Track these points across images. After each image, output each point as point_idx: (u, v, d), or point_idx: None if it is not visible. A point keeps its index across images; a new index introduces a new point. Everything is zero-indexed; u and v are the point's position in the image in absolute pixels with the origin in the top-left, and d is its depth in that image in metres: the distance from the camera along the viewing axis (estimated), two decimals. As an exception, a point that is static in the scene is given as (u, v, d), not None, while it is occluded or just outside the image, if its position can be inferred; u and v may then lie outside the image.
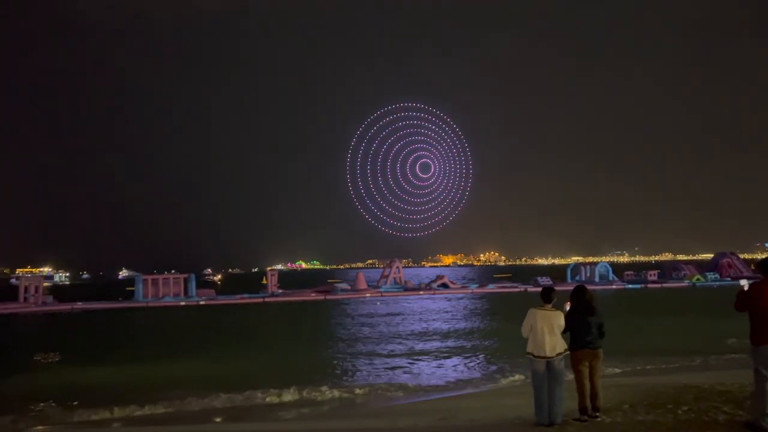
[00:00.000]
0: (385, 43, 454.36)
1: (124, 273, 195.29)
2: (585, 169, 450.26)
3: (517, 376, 14.07)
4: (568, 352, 7.75)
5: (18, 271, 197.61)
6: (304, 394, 12.77)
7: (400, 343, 21.86)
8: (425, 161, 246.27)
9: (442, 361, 17.51)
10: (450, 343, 21.87)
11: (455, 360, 17.67)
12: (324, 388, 13.34)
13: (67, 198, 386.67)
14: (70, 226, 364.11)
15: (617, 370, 14.01)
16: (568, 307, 7.95)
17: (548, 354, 7.56)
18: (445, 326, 27.78)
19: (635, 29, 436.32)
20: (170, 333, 26.20)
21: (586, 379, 7.75)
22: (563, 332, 7.77)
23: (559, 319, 7.70)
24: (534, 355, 7.65)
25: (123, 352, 20.22)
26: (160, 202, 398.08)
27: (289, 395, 12.61)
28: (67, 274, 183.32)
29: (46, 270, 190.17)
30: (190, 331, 26.88)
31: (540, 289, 8.09)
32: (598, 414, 7.77)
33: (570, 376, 7.83)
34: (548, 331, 7.59)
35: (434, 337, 23.74)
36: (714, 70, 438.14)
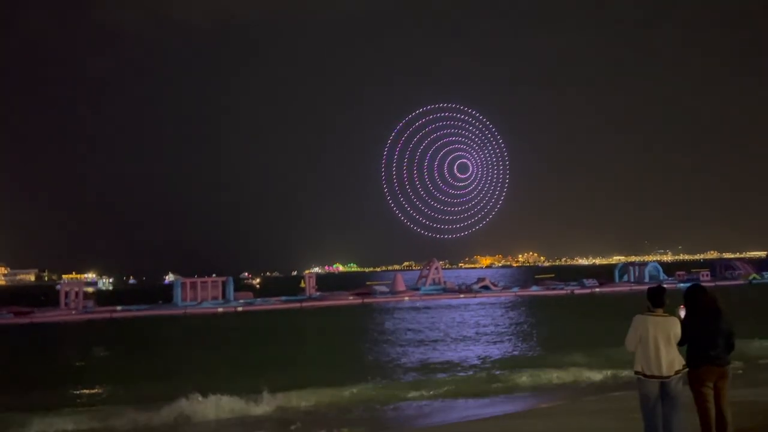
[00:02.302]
0: (418, 45, 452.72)
1: (169, 277, 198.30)
2: (624, 167, 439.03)
3: (583, 390, 12.39)
4: (686, 370, 6.14)
5: (64, 277, 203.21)
6: (341, 414, 11.52)
7: (444, 353, 20.32)
8: (463, 161, 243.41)
9: (495, 376, 15.48)
10: (501, 352, 20.22)
11: (509, 369, 15.86)
12: (360, 406, 12.18)
13: (115, 204, 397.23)
14: (117, 232, 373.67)
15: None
16: (683, 312, 6.34)
17: (664, 373, 5.95)
18: (494, 333, 26.12)
19: (676, 25, 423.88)
20: (209, 350, 24.64)
21: (710, 403, 6.11)
22: (678, 344, 6.16)
23: (676, 328, 6.09)
24: (645, 375, 6.04)
25: (158, 379, 17.12)
26: (204, 209, 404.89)
27: (327, 414, 11.42)
28: (111, 280, 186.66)
29: (91, 276, 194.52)
30: (229, 347, 25.25)
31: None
32: (727, 448, 6.13)
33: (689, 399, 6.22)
34: (664, 344, 5.98)
35: (485, 346, 22.11)
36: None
